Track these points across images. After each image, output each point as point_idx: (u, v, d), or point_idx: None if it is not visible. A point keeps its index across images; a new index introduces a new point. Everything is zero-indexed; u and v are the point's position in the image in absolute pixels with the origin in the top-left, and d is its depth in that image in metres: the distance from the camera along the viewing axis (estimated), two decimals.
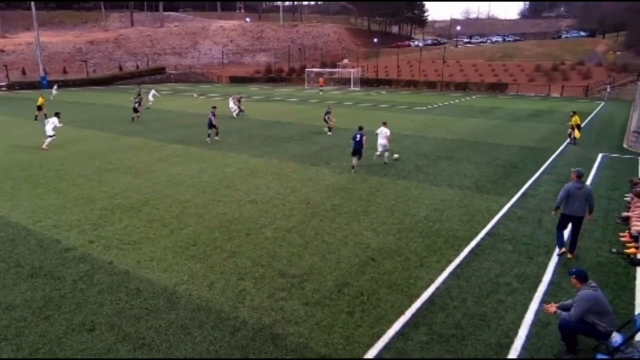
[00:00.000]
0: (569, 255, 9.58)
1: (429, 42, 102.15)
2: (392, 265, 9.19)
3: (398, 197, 13.49)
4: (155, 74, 78.59)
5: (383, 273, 8.89)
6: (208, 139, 21.82)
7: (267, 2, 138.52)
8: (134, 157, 18.68)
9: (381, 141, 17.32)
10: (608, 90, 50.11)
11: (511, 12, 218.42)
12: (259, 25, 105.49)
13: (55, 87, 48.82)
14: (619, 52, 65.57)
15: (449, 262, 9.33)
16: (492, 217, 11.84)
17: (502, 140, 23.21)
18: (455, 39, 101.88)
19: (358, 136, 16.34)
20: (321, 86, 62.68)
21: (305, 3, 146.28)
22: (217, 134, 22.44)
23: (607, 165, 17.86)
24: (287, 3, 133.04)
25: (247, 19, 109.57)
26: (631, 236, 10.24)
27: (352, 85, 66.78)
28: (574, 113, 23.47)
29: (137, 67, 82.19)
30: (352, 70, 69.29)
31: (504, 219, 11.73)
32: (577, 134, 22.80)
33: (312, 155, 19.13)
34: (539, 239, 10.49)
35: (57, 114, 20.87)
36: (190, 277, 8.70)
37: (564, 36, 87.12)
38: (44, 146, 20.05)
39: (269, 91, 57.18)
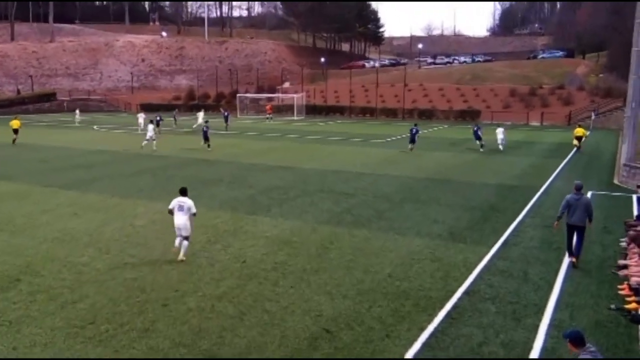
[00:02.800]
0: (573, 260, 12.49)
1: (387, 62, 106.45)
2: (352, 338, 9.10)
3: (356, 250, 13.55)
4: (42, 102, 76.29)
5: (341, 348, 8.77)
6: (209, 148, 33.06)
7: (189, 13, 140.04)
8: (11, 208, 17.86)
9: (500, 136, 34.31)
10: (593, 117, 53.87)
11: (480, 28, 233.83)
12: (179, 40, 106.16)
13: (77, 111, 60.99)
14: (601, 75, 71.12)
15: (421, 329, 9.37)
16: (470, 271, 12.12)
17: (476, 178, 24.15)
18: (417, 59, 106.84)
19: (414, 130, 33.55)
20: (269, 114, 63.49)
21: (235, 14, 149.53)
22: (209, 146, 33.38)
23: (597, 204, 18.92)
24: (213, 15, 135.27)
25: (164, 33, 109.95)
26: (630, 288, 10.75)
27: (295, 114, 67.87)
28: (579, 126, 35.83)
29: (18, 92, 79.72)
30: (295, 95, 70.61)
31: (484, 274, 12.03)
32: (575, 142, 33.99)
33: (248, 201, 19.01)
34: (527, 297, 10.80)
35: (158, 118, 40.61)
36: None
37: (539, 56, 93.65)
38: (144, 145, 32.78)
39: (192, 122, 56.96)
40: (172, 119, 53.54)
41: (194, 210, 12.43)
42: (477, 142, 34.99)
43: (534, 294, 10.94)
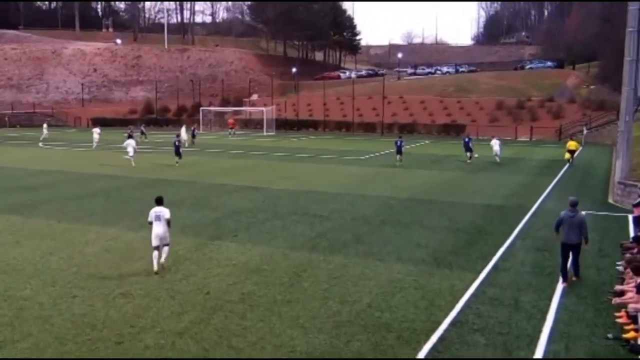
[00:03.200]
0: (573, 278, 13.24)
1: (364, 73, 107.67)
2: None
3: (332, 278, 13.53)
4: None
5: None
6: (177, 164, 34.66)
7: (146, 19, 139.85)
8: None
9: (496, 147, 37.35)
10: (585, 132, 55.16)
11: (463, 37, 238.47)
12: (135, 49, 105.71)
13: (45, 125, 59.92)
14: (592, 87, 73.01)
15: None
16: (457, 300, 12.19)
17: (462, 198, 24.43)
18: (396, 69, 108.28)
19: (399, 142, 36.34)
20: (231, 128, 64.02)
21: (198, 20, 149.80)
22: (178, 160, 34.98)
23: (592, 225, 19.22)
24: (173, 20, 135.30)
25: (118, 41, 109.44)
26: (628, 316, 10.92)
27: (264, 129, 67.95)
28: (571, 138, 39.24)
29: None
30: (264, 109, 70.74)
31: (472, 302, 12.10)
32: (567, 156, 36.21)
33: (212, 225, 18.88)
34: (519, 326, 10.89)
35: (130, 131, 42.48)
36: None
37: (527, 67, 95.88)
38: (133, 164, 33.91)
39: (151, 137, 56.56)
40: (138, 132, 54.10)
41: (167, 216, 14.07)
42: (467, 153, 37.64)
43: (526, 323, 11.04)
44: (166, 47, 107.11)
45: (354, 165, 36.42)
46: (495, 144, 37.81)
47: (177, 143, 35.51)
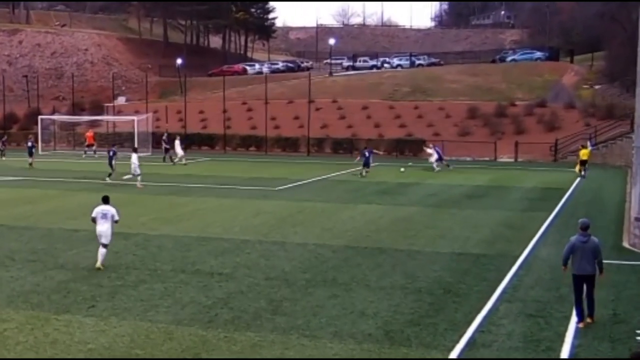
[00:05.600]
0: (588, 320, 15.31)
1: (281, 66, 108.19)
2: None
3: None
4: None
5: None
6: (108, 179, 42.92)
7: None
8: None
9: (434, 157, 52.04)
10: (589, 148, 57.28)
11: (421, 17, 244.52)
12: None
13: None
14: (597, 86, 75.99)
15: None
16: None
17: (423, 244, 24.75)
18: (327, 61, 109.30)
19: (367, 152, 49.66)
20: (90, 144, 62.78)
21: None
22: (110, 175, 44.05)
23: (602, 279, 19.93)
24: None
25: None
26: None
27: (136, 147, 66.81)
28: (583, 147, 49.96)
29: None
30: (135, 118, 69.65)
31: None
32: (577, 168, 47.21)
33: (58, 292, 18.38)
34: None
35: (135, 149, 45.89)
36: None
37: (509, 58, 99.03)
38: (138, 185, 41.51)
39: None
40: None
41: (117, 217, 20.80)
42: (440, 162, 51.89)
43: None
44: None
45: (269, 200, 36.33)
46: (433, 153, 51.91)
47: (111, 154, 45.39)
